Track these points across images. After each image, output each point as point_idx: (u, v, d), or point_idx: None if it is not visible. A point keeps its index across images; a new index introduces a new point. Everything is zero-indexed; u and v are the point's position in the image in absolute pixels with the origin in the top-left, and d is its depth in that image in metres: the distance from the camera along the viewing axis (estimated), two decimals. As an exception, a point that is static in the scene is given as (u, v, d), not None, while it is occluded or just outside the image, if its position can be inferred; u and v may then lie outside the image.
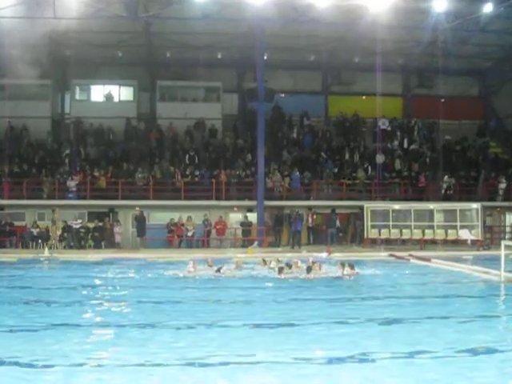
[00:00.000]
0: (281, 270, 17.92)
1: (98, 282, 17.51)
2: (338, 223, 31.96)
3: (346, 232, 32.96)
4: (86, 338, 10.08)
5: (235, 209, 32.97)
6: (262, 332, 10.66)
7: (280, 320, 11.49)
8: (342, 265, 18.93)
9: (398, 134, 38.27)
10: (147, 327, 10.96)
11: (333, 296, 14.85)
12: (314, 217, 32.30)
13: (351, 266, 18.55)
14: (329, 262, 21.81)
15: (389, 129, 38.05)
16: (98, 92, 37.96)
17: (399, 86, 41.38)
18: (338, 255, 25.18)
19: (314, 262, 19.04)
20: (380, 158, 35.13)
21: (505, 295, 15.29)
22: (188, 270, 18.90)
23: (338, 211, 32.40)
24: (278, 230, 31.86)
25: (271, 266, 19.65)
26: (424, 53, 36.39)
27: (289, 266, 18.75)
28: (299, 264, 19.16)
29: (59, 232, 29.53)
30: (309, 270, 17.86)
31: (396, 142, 37.77)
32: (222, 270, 18.48)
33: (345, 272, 18.22)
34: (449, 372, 8.30)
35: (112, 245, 30.53)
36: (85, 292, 15.36)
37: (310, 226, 32.23)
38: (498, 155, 38.28)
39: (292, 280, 17.41)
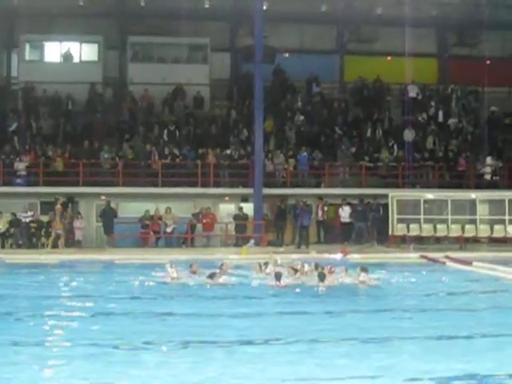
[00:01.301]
0: (278, 275, 17.74)
1: (55, 290, 17.41)
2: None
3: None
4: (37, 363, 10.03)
5: (226, 198, 32.98)
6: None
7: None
8: (346, 270, 18.81)
9: (432, 104, 38.19)
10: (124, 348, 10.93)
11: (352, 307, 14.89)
12: (326, 208, 32.29)
13: (364, 270, 18.38)
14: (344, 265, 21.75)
15: (420, 98, 37.90)
16: (53, 50, 37.77)
17: (433, 43, 41.30)
18: (356, 257, 25.12)
19: (302, 266, 18.96)
20: (409, 135, 35.06)
21: None
22: (170, 275, 18.78)
23: (350, 200, 32.47)
24: (280, 225, 31.86)
25: (267, 271, 19.43)
26: (465, 2, 36.19)
27: (294, 270, 18.65)
28: (306, 268, 18.97)
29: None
30: (322, 277, 17.65)
31: (427, 115, 37.65)
32: (214, 278, 18.38)
33: (360, 279, 18.12)
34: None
35: (72, 243, 30.43)
36: (38, 305, 15.25)
37: (321, 219, 32.23)
38: (557, 131, 38.23)
39: (303, 289, 17.35)
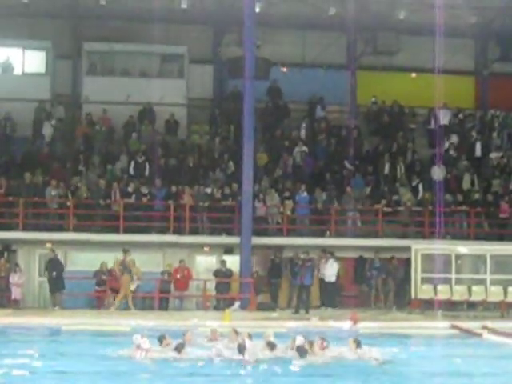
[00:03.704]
0: (242, 347, 17.88)
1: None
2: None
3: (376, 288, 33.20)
4: None
5: (206, 249, 33.00)
6: None
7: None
8: (322, 340, 18.49)
9: (473, 134, 38.53)
10: None
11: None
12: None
13: (357, 344, 18.36)
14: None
15: (452, 125, 38.23)
16: (-12, 59, 37.98)
17: (470, 58, 41.74)
18: (369, 326, 25.13)
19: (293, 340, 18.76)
20: (438, 172, 35.31)
21: None
22: (139, 348, 18.66)
23: (365, 254, 32.85)
24: (273, 284, 31.98)
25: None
26: (510, 7, 36.57)
27: (271, 345, 18.57)
28: (297, 341, 18.66)
29: (134, 286, 30.29)
30: (302, 351, 17.78)
31: (462, 147, 37.83)
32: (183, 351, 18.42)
33: (357, 353, 18.18)
34: None
35: (7, 303, 30.48)
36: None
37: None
38: None
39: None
